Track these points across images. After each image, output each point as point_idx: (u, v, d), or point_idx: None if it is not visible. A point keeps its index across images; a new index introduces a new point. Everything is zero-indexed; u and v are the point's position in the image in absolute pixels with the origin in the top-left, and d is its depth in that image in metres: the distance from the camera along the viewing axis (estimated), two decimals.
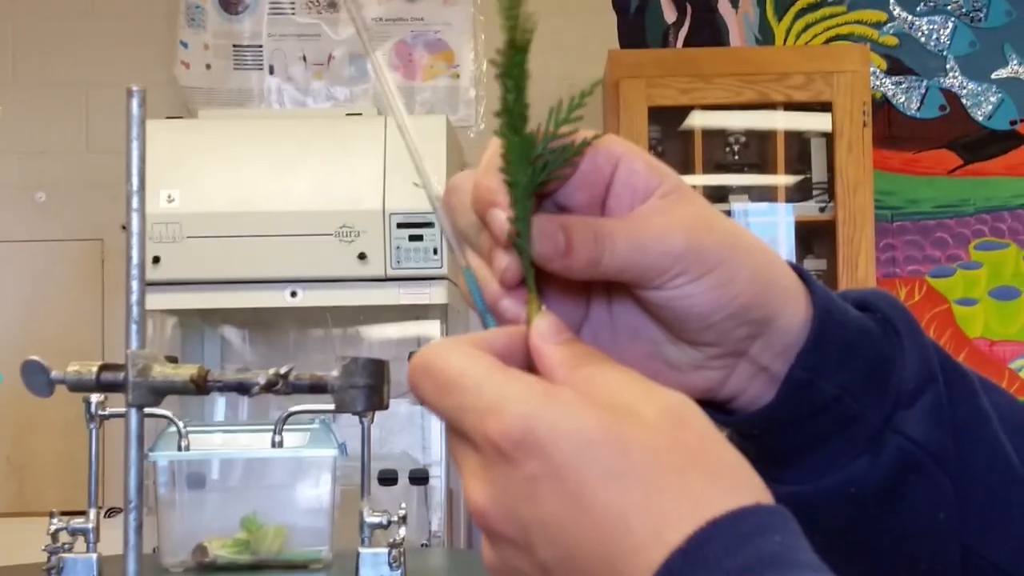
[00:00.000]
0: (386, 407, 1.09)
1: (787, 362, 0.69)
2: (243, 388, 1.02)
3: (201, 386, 1.05)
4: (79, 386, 1.11)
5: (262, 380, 1.00)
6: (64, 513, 2.52)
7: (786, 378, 0.69)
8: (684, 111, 4.24)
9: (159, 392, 1.03)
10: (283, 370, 1.04)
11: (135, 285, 1.00)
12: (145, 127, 1.11)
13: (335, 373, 1.09)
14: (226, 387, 1.06)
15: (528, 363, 0.60)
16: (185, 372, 1.04)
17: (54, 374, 1.16)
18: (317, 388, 1.05)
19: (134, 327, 1.00)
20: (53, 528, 2.49)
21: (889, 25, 4.54)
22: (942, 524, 0.70)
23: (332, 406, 2.39)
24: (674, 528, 0.53)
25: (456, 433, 0.59)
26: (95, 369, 1.08)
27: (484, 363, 0.58)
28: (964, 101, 4.51)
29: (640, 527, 0.53)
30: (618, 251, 0.62)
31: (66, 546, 2.49)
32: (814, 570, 0.52)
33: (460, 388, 0.58)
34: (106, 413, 2.50)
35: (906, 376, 0.71)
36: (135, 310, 1.02)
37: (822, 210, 4.23)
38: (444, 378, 0.58)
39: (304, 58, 4.43)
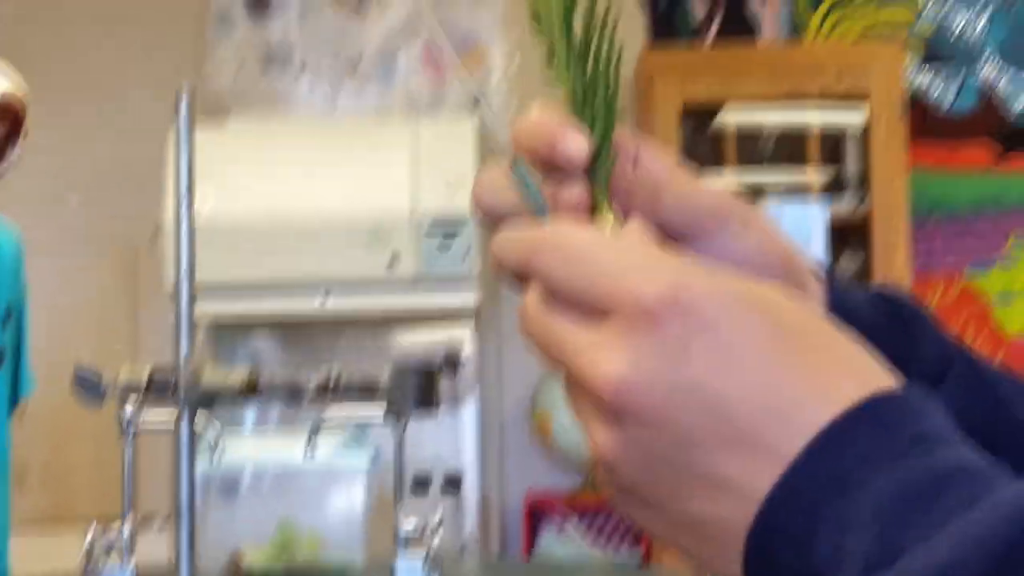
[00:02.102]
0: (438, 408, 1.06)
1: None
2: (295, 390, 0.99)
3: (253, 390, 1.02)
4: (130, 391, 1.09)
5: (314, 383, 0.97)
6: (101, 521, 2.51)
7: None
8: (716, 108, 4.22)
9: (211, 396, 1.01)
10: (334, 372, 1.01)
11: (183, 289, 0.97)
12: (193, 127, 1.08)
13: (385, 376, 1.06)
14: (278, 390, 1.04)
15: None
16: (237, 376, 1.01)
17: (104, 382, 1.13)
18: (368, 390, 1.02)
19: (183, 331, 0.97)
20: (90, 536, 2.48)
21: (923, 16, 4.50)
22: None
23: (365, 411, 2.37)
24: (837, 388, 0.51)
25: (582, 309, 0.55)
26: (146, 374, 1.04)
27: (614, 236, 0.56)
28: (1002, 92, 4.46)
29: (803, 385, 0.51)
30: (676, 192, 0.64)
31: (102, 555, 2.48)
32: (981, 454, 0.51)
33: (597, 255, 0.54)
34: (142, 421, 2.49)
35: (927, 361, 0.71)
36: (184, 314, 0.99)
37: (858, 206, 4.20)
38: (574, 249, 0.55)
39: (334, 58, 4.42)
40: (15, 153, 3.27)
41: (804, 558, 0.50)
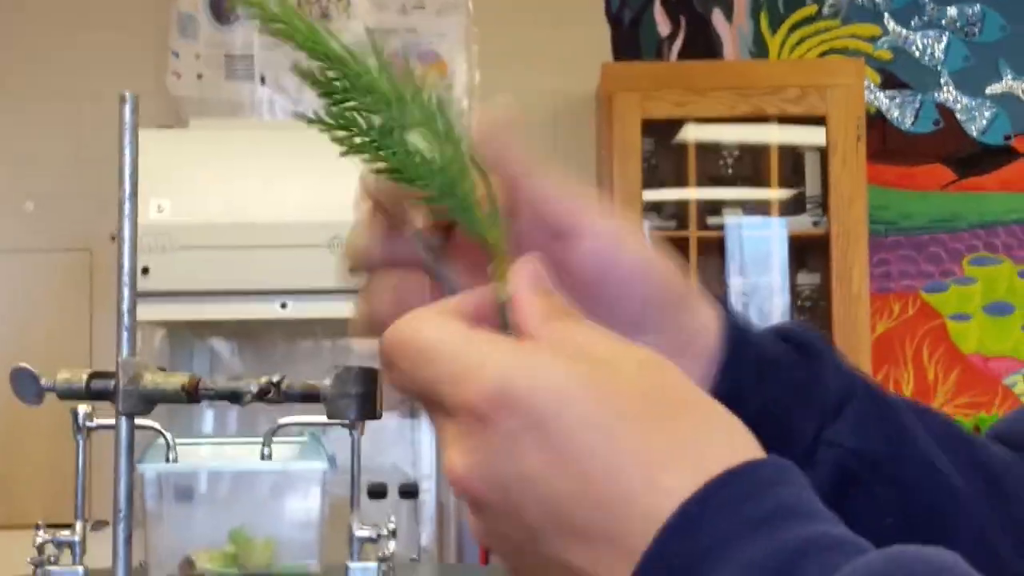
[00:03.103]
0: (379, 416, 1.07)
1: (706, 374, 0.68)
2: (235, 396, 1.00)
3: (193, 394, 1.03)
4: (69, 394, 1.09)
5: (254, 388, 0.98)
6: (50, 526, 2.51)
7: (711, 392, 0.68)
8: (678, 124, 4.25)
9: (150, 400, 1.01)
10: (275, 378, 1.02)
11: (126, 292, 0.98)
12: (137, 133, 1.09)
13: (328, 382, 1.07)
14: (218, 395, 1.04)
15: (501, 323, 0.59)
16: (177, 380, 1.02)
17: (44, 381, 1.14)
18: (310, 396, 1.03)
19: (125, 334, 0.98)
20: (39, 541, 2.48)
21: (883, 39, 4.55)
22: (890, 529, 0.67)
23: (321, 418, 2.37)
24: (671, 475, 0.51)
25: (435, 407, 0.57)
26: (85, 376, 1.06)
27: (456, 330, 0.57)
28: (958, 116, 4.52)
29: (634, 473, 0.51)
30: (536, 182, 0.64)
31: (52, 559, 2.48)
32: (834, 523, 0.51)
33: (435, 359, 0.56)
34: (94, 424, 2.50)
35: (830, 391, 0.70)
36: (126, 318, 1.00)
37: (816, 224, 4.24)
38: (416, 352, 0.57)
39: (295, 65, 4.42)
40: None
41: None
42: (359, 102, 0.62)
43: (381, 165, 0.62)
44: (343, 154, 0.63)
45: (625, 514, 0.51)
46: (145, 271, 3.63)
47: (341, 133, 0.62)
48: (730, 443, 0.53)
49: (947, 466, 0.71)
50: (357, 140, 0.62)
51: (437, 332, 0.57)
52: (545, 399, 0.53)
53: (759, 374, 0.68)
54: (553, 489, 0.52)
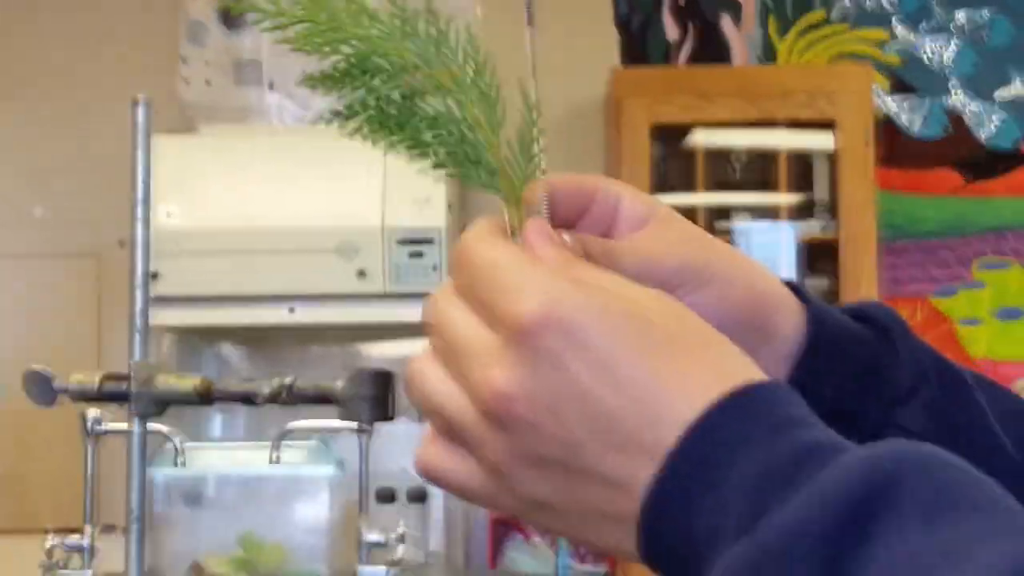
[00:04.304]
0: (392, 418, 1.08)
1: (787, 369, 0.73)
2: (248, 398, 1.01)
3: (206, 396, 1.04)
4: (82, 396, 1.10)
5: (267, 390, 0.99)
6: (60, 530, 2.51)
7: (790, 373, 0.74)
8: (686, 129, 4.25)
9: (163, 402, 1.02)
10: (288, 380, 1.03)
11: (139, 295, 0.99)
12: (150, 136, 1.10)
13: (341, 384, 1.07)
14: (231, 397, 1.05)
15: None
16: (189, 382, 1.03)
17: (57, 383, 1.15)
18: (322, 398, 1.04)
19: (137, 337, 0.99)
20: (49, 545, 2.49)
21: (892, 44, 4.55)
22: None
23: (330, 422, 2.36)
24: (703, 386, 0.57)
25: (477, 311, 0.61)
26: (98, 379, 1.07)
27: (511, 252, 0.62)
28: (967, 121, 4.51)
29: (671, 386, 0.57)
30: (626, 264, 0.68)
31: (61, 563, 2.49)
32: (844, 450, 0.55)
33: (494, 273, 0.61)
34: (104, 429, 2.50)
35: (901, 376, 0.75)
36: (138, 320, 1.01)
37: (824, 229, 4.24)
38: (480, 264, 0.62)
39: (305, 74, 4.43)
40: None
41: (687, 540, 0.56)
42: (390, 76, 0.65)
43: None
44: (387, 150, 0.66)
45: (664, 418, 0.57)
46: (154, 276, 3.64)
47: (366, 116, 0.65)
48: (745, 362, 0.59)
49: (1009, 445, 0.75)
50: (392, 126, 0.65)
51: (497, 254, 0.62)
52: (590, 317, 0.58)
53: (834, 364, 0.74)
54: (599, 403, 0.57)
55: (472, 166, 0.66)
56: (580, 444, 0.57)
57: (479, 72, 0.66)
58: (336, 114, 0.66)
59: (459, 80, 0.66)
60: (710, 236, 0.73)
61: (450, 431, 0.62)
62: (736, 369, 0.58)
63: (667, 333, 0.59)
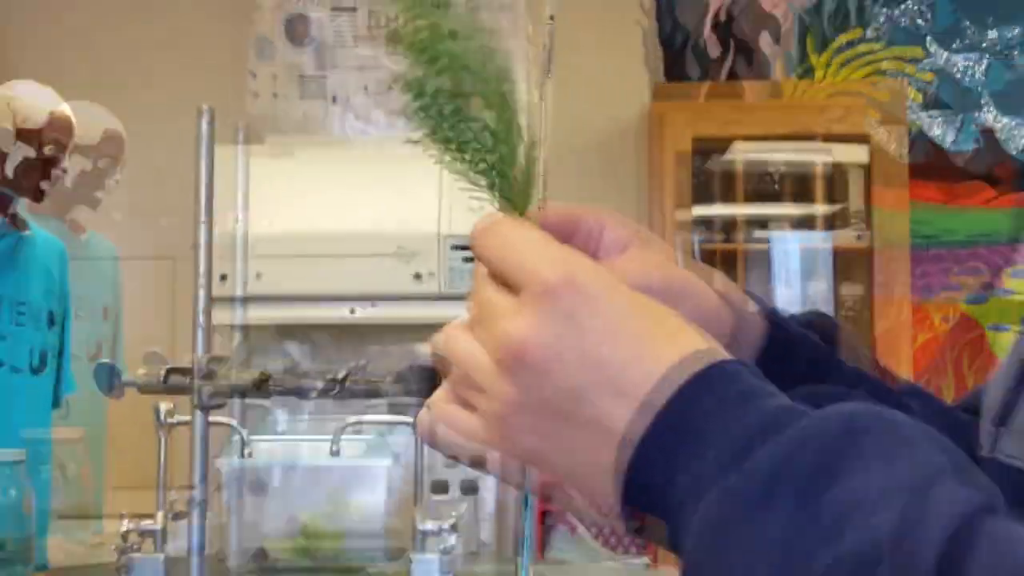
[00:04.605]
0: None
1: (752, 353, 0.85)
2: (302, 392, 1.14)
3: (262, 388, 1.16)
4: (148, 388, 1.22)
5: (320, 384, 1.12)
6: (134, 516, 2.61)
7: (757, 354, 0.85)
8: (726, 142, 4.30)
9: (223, 394, 1.14)
10: (340, 375, 1.16)
11: (202, 294, 1.11)
12: (213, 143, 1.23)
13: (389, 379, 1.21)
14: (286, 391, 1.18)
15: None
16: (247, 376, 1.15)
17: (125, 376, 1.26)
18: (372, 393, 1.16)
19: (200, 333, 1.12)
20: (123, 529, 2.58)
21: (926, 62, 4.58)
22: None
23: (387, 417, 2.45)
24: (689, 343, 0.66)
25: (504, 280, 0.69)
26: (163, 372, 1.18)
27: (535, 231, 0.71)
28: (998, 135, 4.53)
29: (662, 342, 0.66)
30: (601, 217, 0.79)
31: (135, 546, 2.52)
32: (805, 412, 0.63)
33: (519, 247, 0.69)
34: (174, 420, 2.61)
35: (843, 372, 0.87)
36: (201, 318, 1.13)
37: (859, 238, 4.27)
38: (506, 239, 0.70)
39: (365, 88, 4.53)
40: (115, 179, 3.51)
41: (668, 490, 0.63)
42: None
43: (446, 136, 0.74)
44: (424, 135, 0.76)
45: (653, 368, 0.65)
46: (223, 278, 3.76)
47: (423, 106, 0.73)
48: (718, 346, 0.68)
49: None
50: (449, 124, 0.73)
51: (519, 231, 0.71)
52: (601, 285, 0.67)
53: (788, 357, 0.84)
54: (605, 353, 0.65)
55: (494, 175, 0.74)
56: (582, 389, 0.65)
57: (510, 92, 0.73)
58: (414, 110, 0.74)
59: (506, 96, 0.73)
60: (685, 257, 0.82)
61: (464, 381, 0.69)
62: (713, 346, 0.66)
63: (658, 311, 0.67)
